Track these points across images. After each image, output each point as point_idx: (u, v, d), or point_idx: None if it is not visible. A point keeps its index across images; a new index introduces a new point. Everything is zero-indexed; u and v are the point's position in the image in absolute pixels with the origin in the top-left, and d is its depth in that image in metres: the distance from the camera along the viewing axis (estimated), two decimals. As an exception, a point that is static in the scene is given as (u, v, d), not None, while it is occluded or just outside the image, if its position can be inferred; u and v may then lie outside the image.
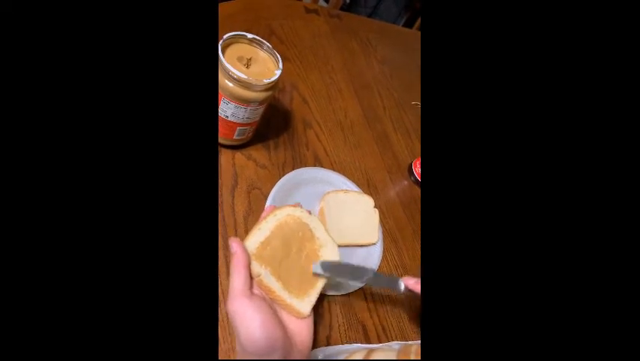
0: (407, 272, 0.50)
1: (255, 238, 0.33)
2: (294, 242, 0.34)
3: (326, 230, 0.37)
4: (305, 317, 0.32)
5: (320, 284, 0.34)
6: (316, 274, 0.34)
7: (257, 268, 0.32)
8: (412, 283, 0.35)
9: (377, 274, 0.37)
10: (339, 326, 0.41)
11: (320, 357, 0.36)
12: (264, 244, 0.33)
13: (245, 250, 0.31)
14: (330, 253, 0.36)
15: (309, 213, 0.37)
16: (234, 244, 0.31)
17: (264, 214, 0.36)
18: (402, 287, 0.36)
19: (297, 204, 0.37)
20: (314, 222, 0.36)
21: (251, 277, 0.31)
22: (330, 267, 0.34)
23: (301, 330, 0.32)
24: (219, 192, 0.44)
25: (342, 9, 1.08)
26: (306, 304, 0.32)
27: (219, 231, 0.41)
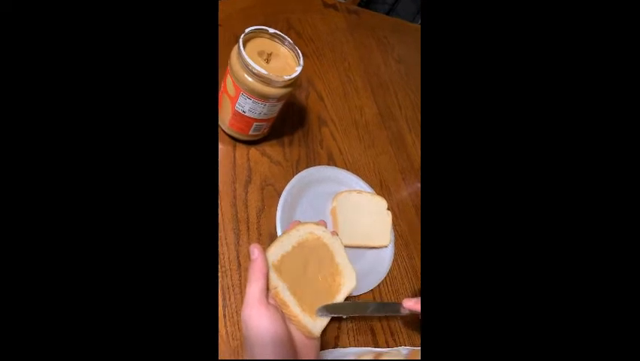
0: (417, 275, 0.49)
1: (276, 250, 0.33)
2: (312, 261, 0.34)
3: (346, 255, 0.36)
4: (314, 337, 0.32)
5: None
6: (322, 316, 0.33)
7: (274, 280, 0.31)
8: (411, 303, 0.35)
9: (379, 303, 0.37)
10: (348, 329, 0.41)
11: (328, 358, 0.36)
12: (284, 257, 0.33)
13: (265, 258, 0.31)
14: (348, 281, 0.35)
15: (332, 233, 0.36)
16: (256, 250, 0.31)
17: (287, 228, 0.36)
18: (404, 311, 0.36)
19: (322, 222, 0.36)
20: (335, 245, 0.36)
21: (267, 288, 0.31)
22: (332, 308, 0.34)
23: (308, 351, 0.31)
24: (233, 187, 0.44)
25: (359, 5, 1.07)
26: (317, 324, 0.32)
27: (231, 226, 0.41)
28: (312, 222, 0.36)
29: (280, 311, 0.31)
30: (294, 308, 0.31)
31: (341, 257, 0.36)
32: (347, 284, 0.35)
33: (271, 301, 0.31)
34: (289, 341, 0.29)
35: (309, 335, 0.31)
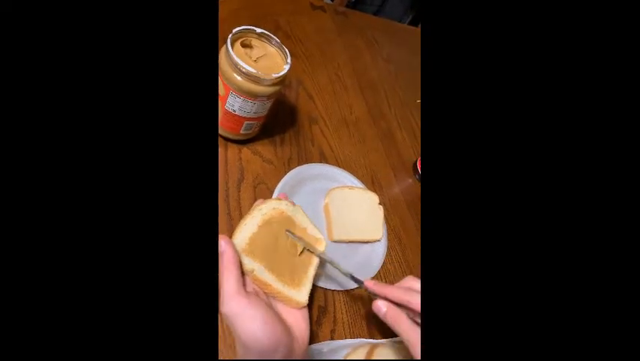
0: (411, 269, 0.50)
1: (243, 234, 0.32)
2: (280, 235, 0.34)
3: (311, 221, 0.37)
4: (303, 306, 0.32)
5: (311, 271, 0.35)
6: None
7: (249, 263, 0.31)
8: (371, 285, 0.35)
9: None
10: (344, 321, 0.41)
11: (325, 351, 0.37)
12: (253, 239, 0.32)
13: (234, 248, 0.30)
14: (317, 245, 0.36)
15: (293, 204, 0.37)
16: (222, 242, 0.30)
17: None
18: (364, 287, 0.36)
19: (282, 195, 0.37)
20: (298, 214, 0.37)
21: (242, 275, 0.30)
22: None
23: (298, 322, 0.31)
24: (226, 186, 0.44)
25: (347, 6, 1.08)
26: (302, 293, 0.33)
27: (225, 226, 0.41)
28: (272, 199, 0.36)
29: (261, 297, 0.30)
30: (276, 285, 0.31)
31: (305, 224, 0.37)
32: (317, 248, 0.36)
33: (250, 287, 0.31)
34: (279, 322, 0.28)
35: (297, 306, 0.32)
